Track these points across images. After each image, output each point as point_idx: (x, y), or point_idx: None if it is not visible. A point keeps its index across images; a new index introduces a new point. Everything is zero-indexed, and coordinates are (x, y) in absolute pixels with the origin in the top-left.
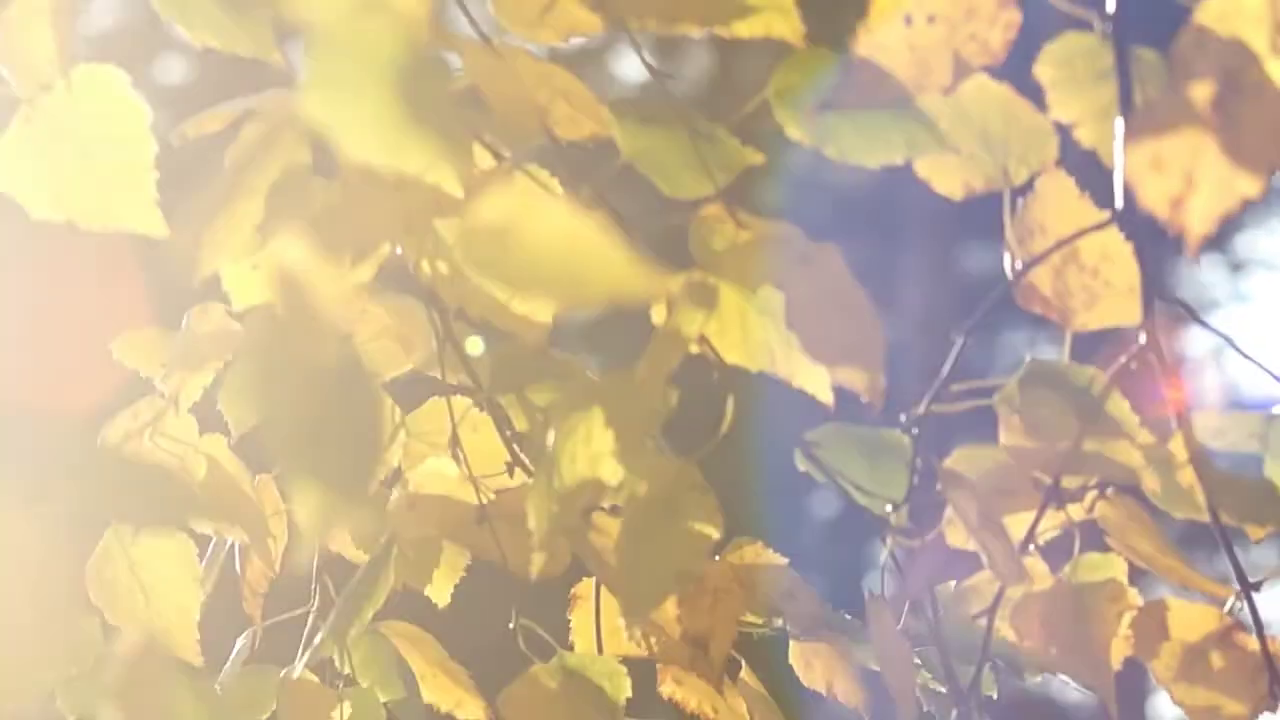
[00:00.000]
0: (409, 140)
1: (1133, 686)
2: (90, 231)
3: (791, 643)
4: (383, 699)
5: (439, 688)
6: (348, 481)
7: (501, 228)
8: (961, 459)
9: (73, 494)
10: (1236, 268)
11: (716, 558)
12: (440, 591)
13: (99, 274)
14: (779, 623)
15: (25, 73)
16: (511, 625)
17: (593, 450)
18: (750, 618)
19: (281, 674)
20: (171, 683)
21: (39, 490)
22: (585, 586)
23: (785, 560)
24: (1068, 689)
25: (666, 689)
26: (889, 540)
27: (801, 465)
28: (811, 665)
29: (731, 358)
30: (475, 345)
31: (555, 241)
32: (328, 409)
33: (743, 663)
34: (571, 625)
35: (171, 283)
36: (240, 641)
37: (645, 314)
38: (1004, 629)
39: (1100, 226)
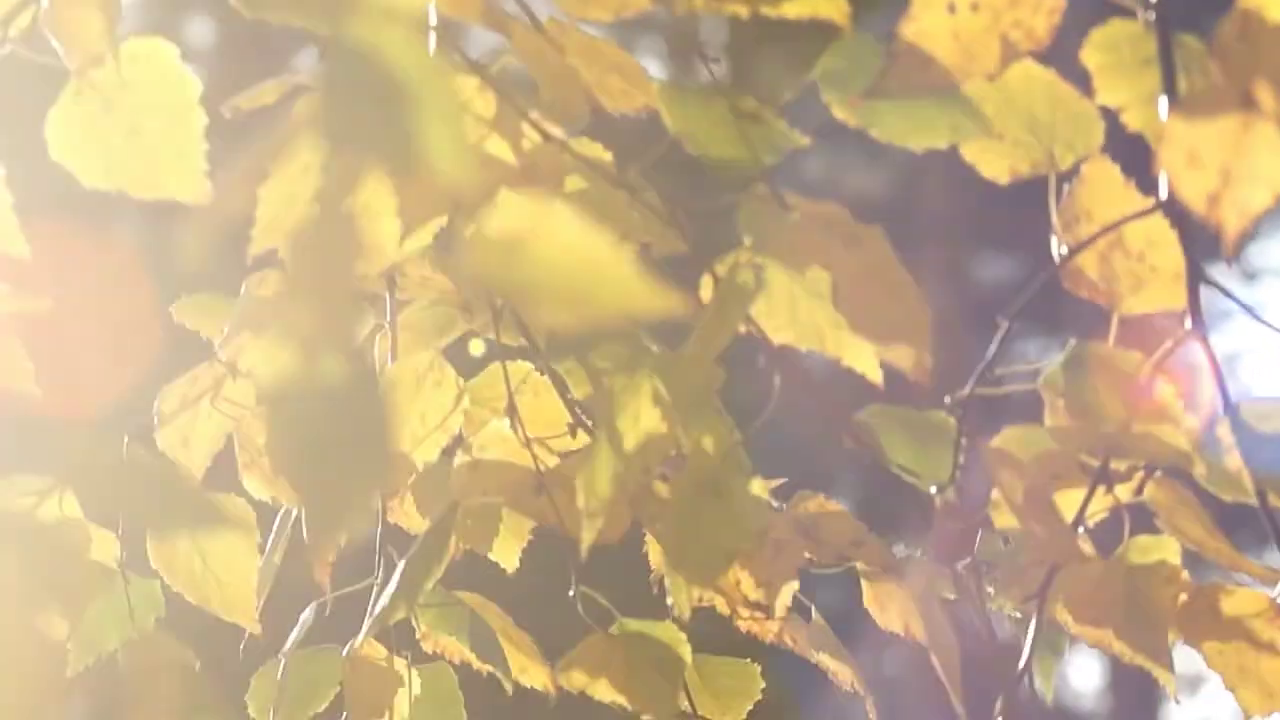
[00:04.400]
0: (416, 146)
1: (1144, 692)
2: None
3: (865, 584)
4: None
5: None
6: (354, 490)
7: (510, 240)
8: (1007, 441)
9: (88, 497)
10: (1249, 277)
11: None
12: (507, 556)
13: (110, 277)
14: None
15: (75, 46)
16: (571, 593)
17: (655, 408)
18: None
19: (346, 649)
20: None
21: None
22: None
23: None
24: (1078, 698)
25: (744, 624)
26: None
27: (848, 445)
28: (886, 608)
29: (779, 338)
30: (478, 347)
31: (564, 256)
32: (333, 416)
33: (813, 609)
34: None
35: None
36: (305, 614)
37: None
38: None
39: (1145, 213)
